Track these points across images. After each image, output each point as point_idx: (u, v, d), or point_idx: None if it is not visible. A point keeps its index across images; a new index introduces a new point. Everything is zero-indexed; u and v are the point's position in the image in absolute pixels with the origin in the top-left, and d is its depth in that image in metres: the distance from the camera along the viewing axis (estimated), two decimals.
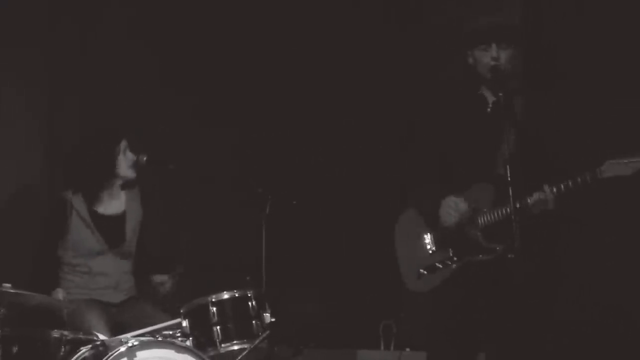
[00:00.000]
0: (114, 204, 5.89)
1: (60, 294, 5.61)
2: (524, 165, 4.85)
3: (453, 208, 5.05)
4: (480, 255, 5.03)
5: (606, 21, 6.18)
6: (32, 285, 5.21)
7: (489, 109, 5.17)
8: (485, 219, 5.03)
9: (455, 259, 5.08)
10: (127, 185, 5.91)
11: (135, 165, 5.83)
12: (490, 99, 5.17)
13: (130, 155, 5.84)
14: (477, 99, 5.19)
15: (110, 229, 5.82)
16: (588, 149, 5.37)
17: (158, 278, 5.82)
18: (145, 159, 5.80)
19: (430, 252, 5.16)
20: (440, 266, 5.09)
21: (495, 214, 5.00)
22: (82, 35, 6.52)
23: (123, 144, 5.84)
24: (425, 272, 5.12)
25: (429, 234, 5.19)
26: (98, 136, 5.91)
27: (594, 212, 5.90)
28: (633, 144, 4.91)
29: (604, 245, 6.06)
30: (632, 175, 4.85)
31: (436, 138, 5.18)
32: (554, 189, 4.92)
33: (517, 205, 4.79)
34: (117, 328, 5.50)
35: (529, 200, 4.94)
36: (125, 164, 5.83)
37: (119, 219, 5.89)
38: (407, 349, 6.42)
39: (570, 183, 4.89)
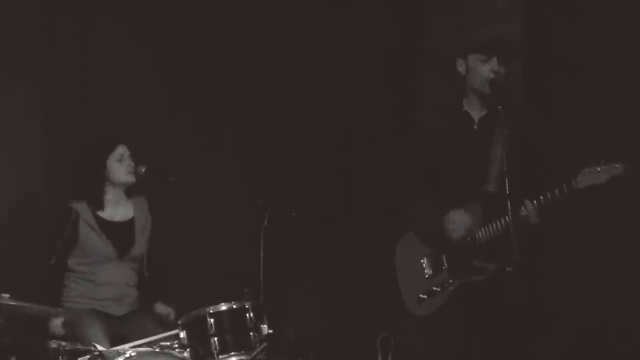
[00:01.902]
0: (120, 211, 5.90)
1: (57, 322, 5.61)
2: (518, 180, 4.85)
3: (457, 222, 5.02)
4: (474, 276, 5.03)
5: (607, 31, 6.21)
6: (41, 297, 5.24)
7: (475, 126, 5.16)
8: (480, 238, 5.02)
9: (450, 281, 5.08)
10: (131, 192, 5.92)
11: (136, 172, 5.84)
12: (477, 115, 5.16)
13: (128, 162, 5.83)
14: (462, 117, 5.17)
15: (118, 235, 5.83)
16: (575, 160, 5.37)
17: (161, 309, 5.83)
18: (144, 170, 5.81)
19: (427, 276, 5.15)
20: (439, 289, 5.09)
21: (489, 231, 4.98)
22: (82, 40, 6.52)
23: (120, 149, 5.84)
24: (425, 297, 5.11)
25: (425, 257, 5.18)
26: (91, 142, 5.98)
27: (579, 223, 5.91)
28: (608, 152, 4.91)
29: (593, 255, 6.08)
30: (606, 182, 4.82)
31: (425, 158, 5.16)
32: (535, 203, 4.90)
33: (507, 220, 4.79)
34: (117, 340, 5.49)
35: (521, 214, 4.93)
36: (121, 171, 5.83)
37: (128, 225, 5.89)
38: None
39: (548, 196, 4.87)
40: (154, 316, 5.80)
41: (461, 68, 5.17)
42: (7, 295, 4.88)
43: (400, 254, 5.34)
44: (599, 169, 4.80)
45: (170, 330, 5.43)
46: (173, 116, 6.72)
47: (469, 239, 5.03)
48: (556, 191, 4.85)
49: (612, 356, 6.03)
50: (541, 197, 4.88)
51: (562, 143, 5.89)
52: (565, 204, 4.90)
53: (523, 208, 4.90)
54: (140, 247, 5.90)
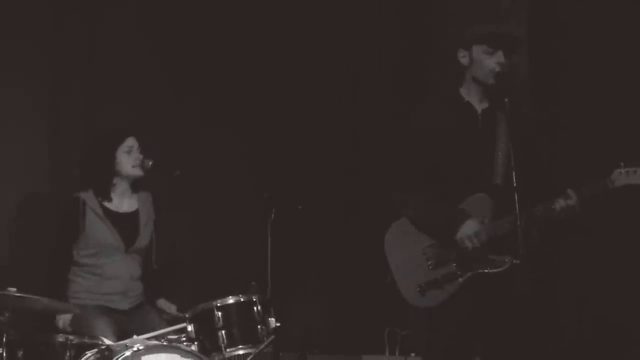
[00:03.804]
0: (126, 202, 5.90)
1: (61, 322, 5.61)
2: (525, 173, 4.83)
3: (474, 237, 5.00)
4: (489, 268, 4.99)
5: (610, 31, 6.21)
6: (46, 288, 5.23)
7: (479, 117, 5.14)
8: (492, 231, 4.99)
9: (459, 272, 5.04)
10: (137, 186, 5.92)
11: (143, 166, 5.84)
12: (479, 106, 5.15)
13: (136, 155, 5.84)
14: (465, 107, 5.15)
15: (124, 225, 5.83)
16: (588, 155, 5.36)
17: (162, 304, 5.83)
18: (150, 164, 5.81)
19: (431, 267, 5.11)
20: (445, 280, 5.05)
21: (501, 225, 4.95)
22: (88, 35, 6.52)
23: (129, 141, 5.84)
24: (427, 287, 5.08)
25: (427, 248, 5.14)
26: (100, 134, 5.98)
27: (603, 219, 5.91)
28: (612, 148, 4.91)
29: (610, 253, 6.07)
30: None
31: (426, 147, 5.12)
32: (579, 193, 4.90)
33: (541, 212, 4.79)
34: (124, 334, 5.48)
35: (555, 206, 4.91)
36: (129, 163, 5.83)
37: (132, 217, 5.89)
38: (412, 354, 6.42)
39: (584, 191, 4.88)
40: (157, 310, 5.80)
41: (464, 59, 5.14)
42: (14, 289, 4.88)
43: (392, 241, 5.28)
44: (635, 170, 4.80)
45: (172, 324, 5.43)
46: (179, 110, 6.72)
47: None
48: (590, 188, 4.86)
49: (617, 353, 6.03)
50: (583, 188, 4.88)
51: (565, 139, 5.90)
52: (598, 200, 4.90)
53: (566, 197, 4.88)
54: (144, 239, 5.90)
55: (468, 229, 4.98)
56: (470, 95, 5.15)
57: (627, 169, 4.83)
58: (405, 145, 5.21)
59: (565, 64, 6.46)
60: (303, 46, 7.08)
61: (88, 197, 5.80)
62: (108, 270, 5.77)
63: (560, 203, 4.90)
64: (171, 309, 5.79)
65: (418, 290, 5.07)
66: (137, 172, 5.85)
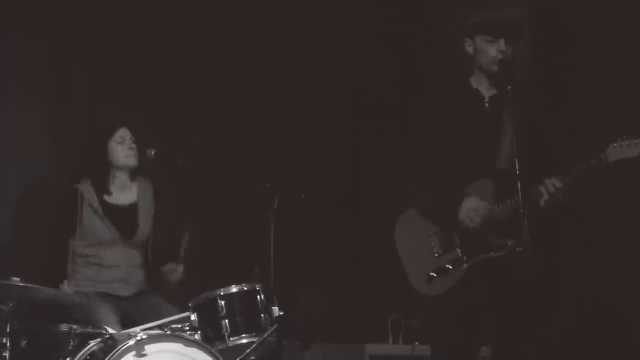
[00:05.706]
0: (125, 194, 5.89)
1: (65, 285, 5.60)
2: (528, 159, 4.83)
3: (475, 213, 5.00)
4: (492, 252, 4.99)
5: (609, 17, 6.19)
6: (45, 278, 5.24)
7: (486, 104, 5.15)
8: (493, 214, 5.00)
9: (464, 258, 5.04)
10: (136, 176, 5.91)
11: (137, 155, 5.82)
12: (487, 93, 5.15)
13: (129, 144, 5.83)
14: (473, 94, 5.16)
15: (122, 219, 5.82)
16: (591, 139, 5.33)
17: (169, 265, 5.81)
18: (153, 153, 5.79)
19: (437, 254, 5.11)
20: (451, 267, 5.05)
21: (503, 208, 4.96)
22: (90, 25, 6.52)
23: (121, 132, 5.83)
24: (435, 276, 5.07)
25: (433, 236, 5.14)
26: (93, 126, 6.00)
27: (601, 204, 5.90)
28: (635, 129, 4.87)
29: (610, 240, 6.06)
30: (638, 156, 4.80)
31: (434, 135, 5.12)
32: (561, 178, 4.88)
33: (518, 199, 4.77)
34: (127, 322, 5.49)
35: (539, 189, 4.90)
36: (122, 153, 5.82)
37: (131, 210, 5.88)
38: (416, 343, 6.43)
39: (575, 171, 4.86)
40: (159, 278, 5.79)
41: (469, 48, 5.17)
42: (18, 279, 4.89)
43: (401, 232, 5.28)
44: (629, 143, 4.78)
45: (173, 292, 5.44)
46: (182, 99, 6.73)
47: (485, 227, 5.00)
48: (583, 165, 4.83)
49: (619, 341, 6.03)
50: (568, 172, 4.86)
51: (568, 126, 5.89)
52: (591, 180, 4.87)
53: (549, 181, 4.87)
54: (144, 231, 5.89)
55: (469, 205, 4.99)
56: (479, 83, 5.17)
57: (622, 143, 4.82)
58: (415, 138, 5.22)
59: (567, 47, 6.44)
60: (304, 34, 7.07)
61: (86, 189, 5.78)
62: (107, 260, 5.77)
63: (542, 188, 4.90)
64: (175, 269, 5.76)
65: (426, 278, 5.08)
66: (132, 162, 5.84)
